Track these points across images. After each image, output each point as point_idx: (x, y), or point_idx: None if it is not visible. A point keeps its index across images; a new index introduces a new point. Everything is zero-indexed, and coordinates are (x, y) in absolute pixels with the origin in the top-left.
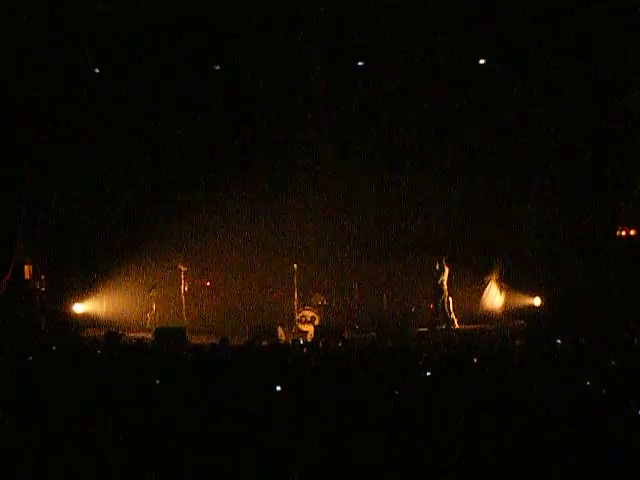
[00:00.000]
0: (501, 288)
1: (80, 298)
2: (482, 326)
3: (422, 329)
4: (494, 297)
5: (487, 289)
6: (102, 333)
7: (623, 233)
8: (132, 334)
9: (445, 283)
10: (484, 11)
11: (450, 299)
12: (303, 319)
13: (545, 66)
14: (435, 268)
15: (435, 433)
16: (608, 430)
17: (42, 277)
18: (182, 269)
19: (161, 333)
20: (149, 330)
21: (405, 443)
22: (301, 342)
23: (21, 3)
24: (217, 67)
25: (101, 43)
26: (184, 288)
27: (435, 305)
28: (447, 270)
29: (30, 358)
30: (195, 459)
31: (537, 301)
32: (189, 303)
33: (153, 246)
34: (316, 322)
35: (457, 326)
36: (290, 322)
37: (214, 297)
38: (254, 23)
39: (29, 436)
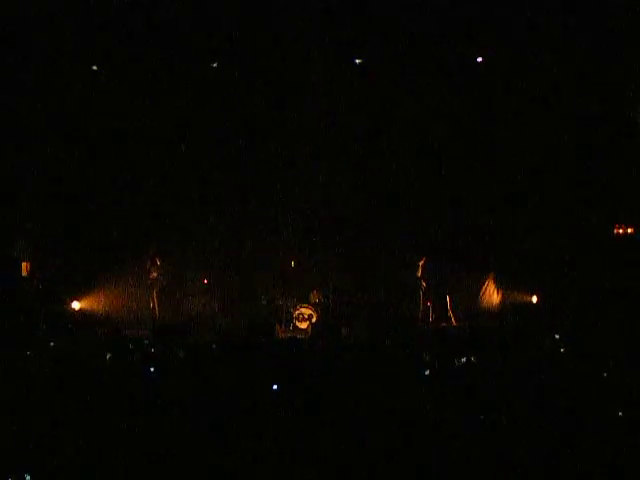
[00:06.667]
0: (499, 285)
1: (78, 295)
2: (480, 323)
3: (420, 326)
4: (492, 294)
5: (485, 286)
6: (102, 331)
7: (620, 231)
8: (131, 332)
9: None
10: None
11: (448, 297)
12: (300, 317)
13: (544, 66)
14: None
15: (434, 432)
16: (607, 428)
17: (40, 274)
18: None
19: (161, 331)
20: (148, 327)
21: (404, 442)
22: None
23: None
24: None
25: (100, 42)
26: (152, 275)
27: (433, 303)
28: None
29: (28, 355)
30: (194, 458)
31: (534, 298)
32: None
33: (151, 243)
34: (313, 320)
35: (455, 323)
36: (287, 320)
37: (211, 295)
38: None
39: (29, 435)
